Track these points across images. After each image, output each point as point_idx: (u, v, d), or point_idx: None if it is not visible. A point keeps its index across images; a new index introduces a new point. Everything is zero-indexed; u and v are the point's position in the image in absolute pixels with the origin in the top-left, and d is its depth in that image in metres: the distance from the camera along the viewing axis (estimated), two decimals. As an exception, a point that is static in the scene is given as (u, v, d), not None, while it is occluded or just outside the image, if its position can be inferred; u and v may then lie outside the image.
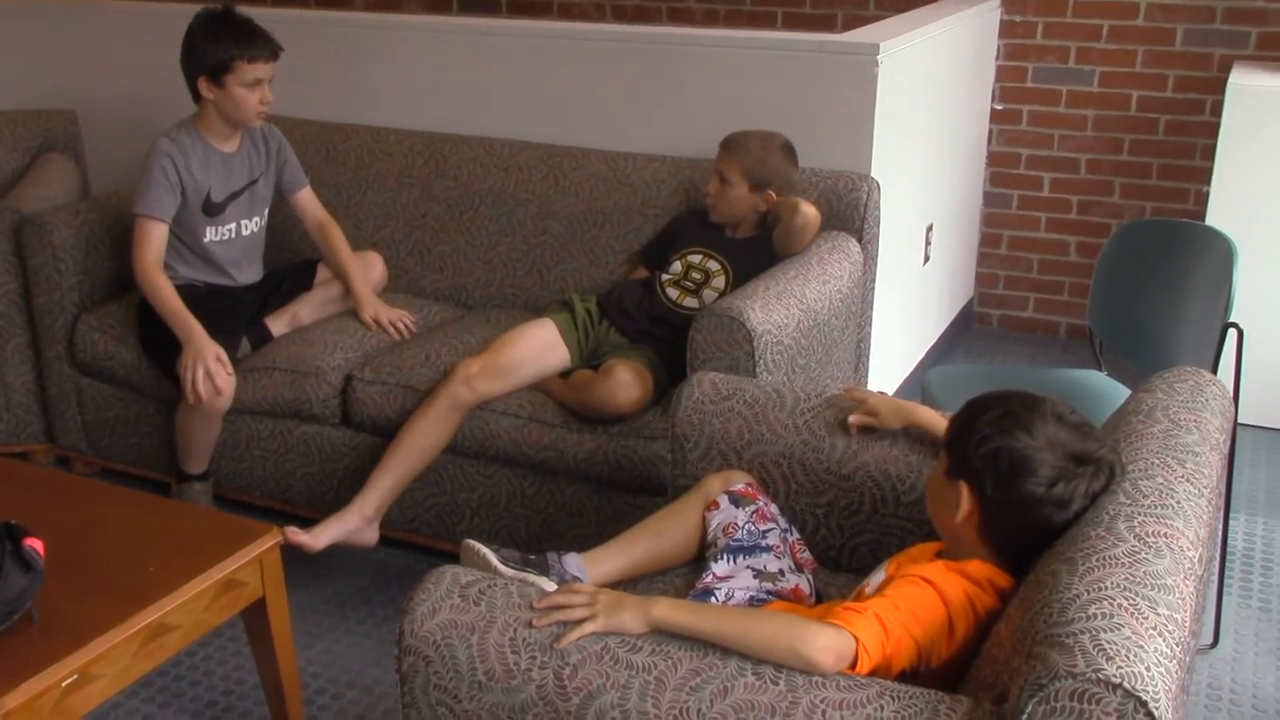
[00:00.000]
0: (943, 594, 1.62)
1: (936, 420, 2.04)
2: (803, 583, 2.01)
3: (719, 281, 2.92)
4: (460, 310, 3.40)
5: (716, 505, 2.08)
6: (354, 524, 2.78)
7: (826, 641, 1.52)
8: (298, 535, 2.68)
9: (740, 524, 2.04)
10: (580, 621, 1.61)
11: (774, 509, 2.10)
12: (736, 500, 2.07)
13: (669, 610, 1.62)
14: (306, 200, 3.33)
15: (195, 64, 3.00)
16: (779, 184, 2.93)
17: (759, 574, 1.98)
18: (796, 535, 2.12)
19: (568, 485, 2.81)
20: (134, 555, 2.14)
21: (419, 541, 3.04)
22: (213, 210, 3.11)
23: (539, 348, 2.91)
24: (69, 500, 2.38)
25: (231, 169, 3.14)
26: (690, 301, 2.92)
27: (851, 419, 2.10)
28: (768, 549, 2.02)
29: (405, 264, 3.50)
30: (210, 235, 3.13)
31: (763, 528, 2.05)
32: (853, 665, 1.53)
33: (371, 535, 2.84)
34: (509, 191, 3.39)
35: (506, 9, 5.05)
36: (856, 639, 1.53)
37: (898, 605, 1.59)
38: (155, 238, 3.03)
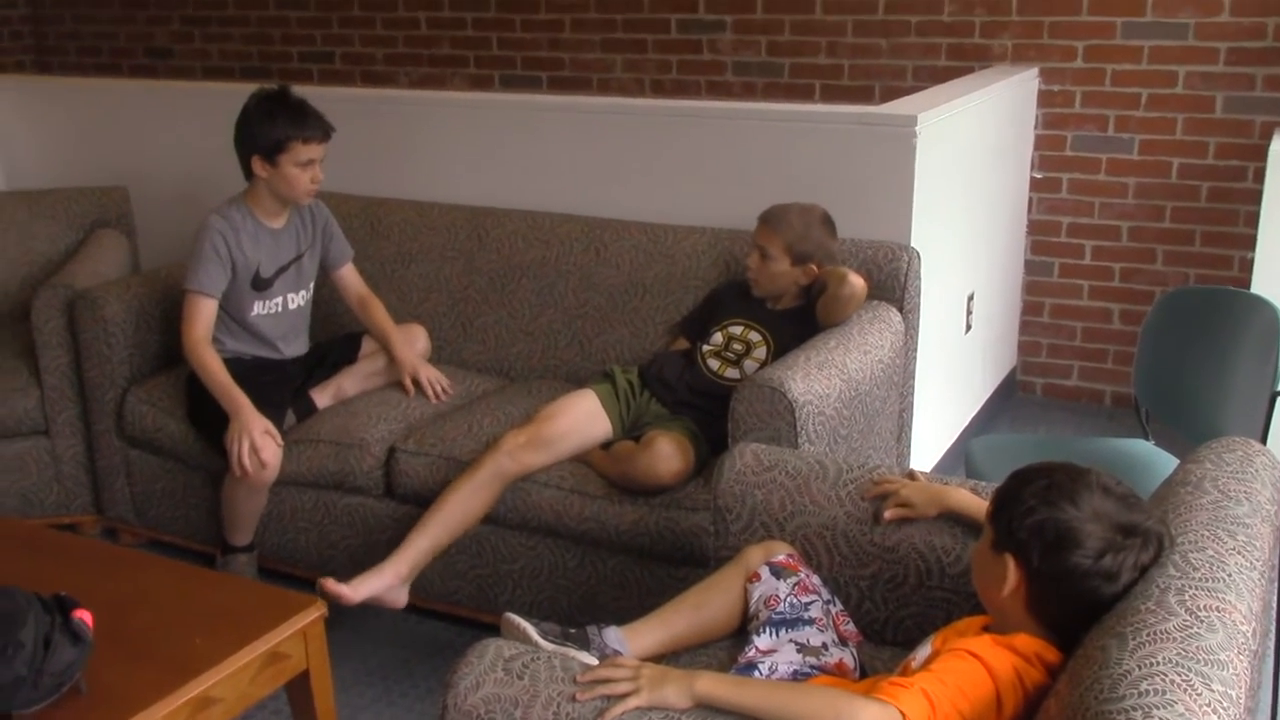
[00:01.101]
0: (990, 669, 1.60)
1: (973, 502, 2.03)
2: (847, 657, 1.99)
3: (760, 352, 2.92)
4: (503, 381, 3.42)
5: (758, 577, 2.07)
6: (389, 580, 2.76)
7: (872, 716, 1.50)
8: (336, 586, 2.66)
9: (782, 596, 2.02)
10: (624, 696, 1.61)
11: (816, 580, 2.09)
12: (778, 572, 2.06)
13: (713, 685, 1.61)
14: (349, 276, 3.38)
15: (250, 143, 3.07)
16: (820, 257, 2.94)
17: (802, 648, 1.96)
18: (840, 607, 2.11)
19: (610, 557, 2.81)
20: (180, 627, 2.15)
21: (460, 614, 3.03)
22: (261, 285, 3.17)
23: (581, 419, 2.92)
24: (116, 572, 2.40)
25: (280, 244, 3.19)
26: (731, 372, 2.93)
27: (886, 513, 2.10)
28: (811, 622, 2.00)
29: (448, 336, 3.53)
30: (258, 310, 3.18)
31: (805, 600, 2.03)
32: None
33: (401, 597, 2.81)
34: (550, 264, 3.42)
35: (548, 85, 5.13)
36: (903, 715, 1.51)
37: (944, 680, 1.57)
38: (205, 313, 3.09)
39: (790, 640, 1.97)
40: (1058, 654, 1.64)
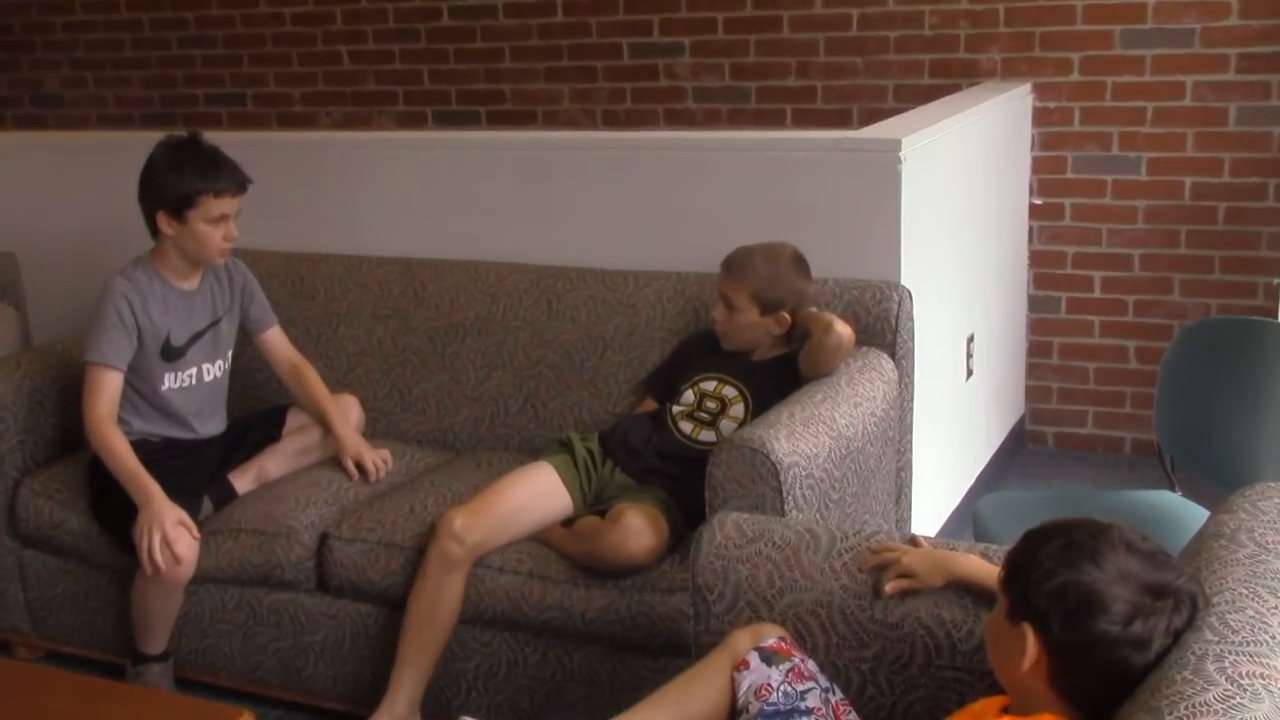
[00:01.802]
0: None
1: (984, 568, 2.04)
2: None
3: (737, 410, 2.93)
4: (447, 455, 3.41)
5: (746, 665, 2.06)
6: None
7: None
8: None
9: (775, 685, 2.01)
10: None
11: (812, 666, 2.08)
12: (769, 658, 2.05)
13: None
14: (275, 340, 3.37)
15: (155, 197, 3.06)
16: (793, 303, 2.96)
17: None
18: (840, 695, 2.10)
19: (576, 649, 2.79)
20: (86, 752, 2.12)
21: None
22: (173, 355, 3.15)
23: (536, 495, 2.91)
24: (12, 691, 2.36)
25: (193, 309, 3.18)
26: (706, 435, 2.93)
27: (887, 586, 2.09)
28: (808, 712, 1.99)
29: (383, 405, 3.52)
30: (169, 382, 3.16)
31: (801, 688, 2.02)
32: None
33: None
34: (497, 320, 3.42)
35: (486, 120, 5.16)
36: None
37: None
38: (109, 388, 3.06)
39: None
40: None
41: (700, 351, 3.10)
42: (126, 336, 3.07)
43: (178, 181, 3.03)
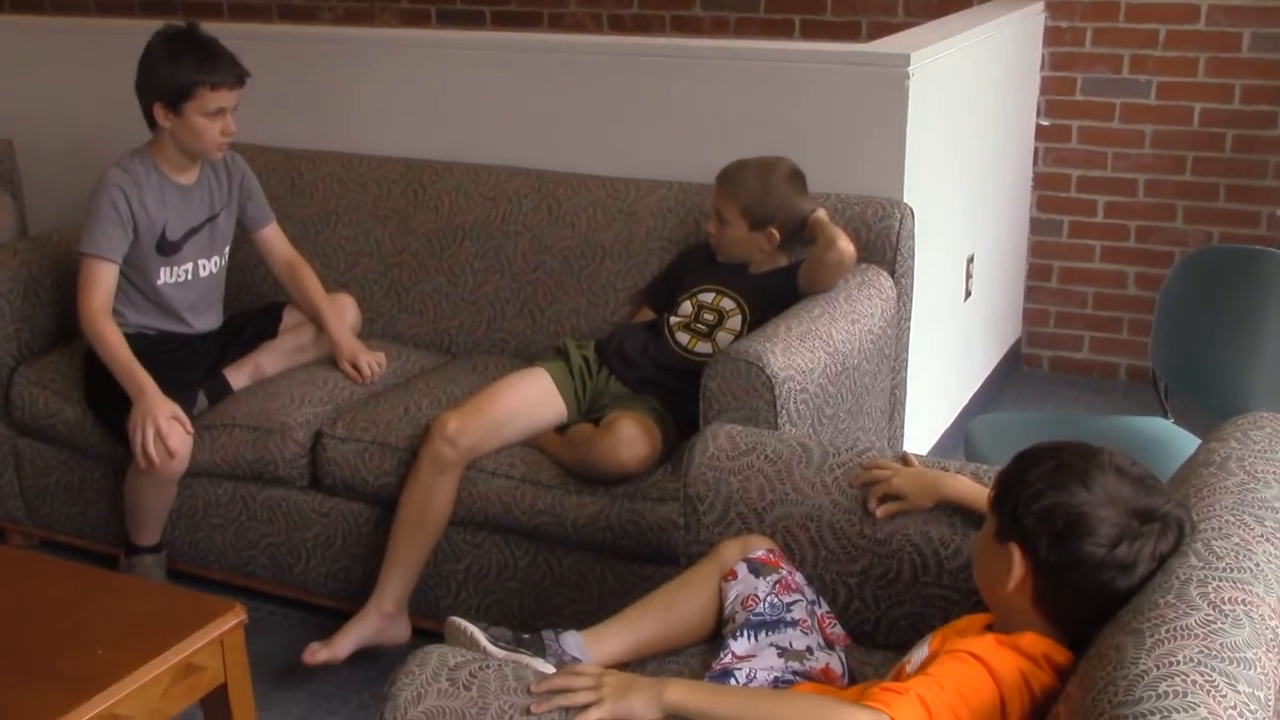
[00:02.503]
0: (993, 671, 1.62)
1: (973, 489, 2.05)
2: (834, 661, 2.01)
3: (734, 322, 2.94)
4: (443, 358, 3.42)
5: (734, 575, 2.08)
6: (375, 625, 2.84)
7: None
8: (316, 654, 2.77)
9: (761, 596, 2.04)
10: (585, 707, 1.62)
11: (799, 578, 2.11)
12: (756, 569, 2.07)
13: (684, 693, 1.62)
14: (272, 237, 3.36)
15: (152, 88, 3.04)
16: (783, 220, 2.94)
17: (784, 652, 1.98)
18: (826, 608, 2.13)
19: (566, 555, 2.82)
20: (80, 637, 2.14)
21: (398, 620, 3.04)
22: (168, 249, 3.14)
23: (531, 400, 2.92)
24: (6, 576, 2.39)
25: (190, 203, 3.17)
26: (703, 346, 2.94)
27: (877, 511, 2.12)
28: (793, 623, 2.02)
29: (380, 306, 3.52)
30: (165, 277, 3.16)
31: (787, 600, 2.05)
32: None
33: (402, 631, 2.89)
34: (496, 224, 3.42)
35: (491, 21, 5.11)
36: None
37: (942, 684, 1.59)
38: (104, 280, 3.06)
39: (770, 644, 1.99)
40: (1068, 655, 1.67)
41: (699, 263, 3.10)
42: (122, 229, 3.06)
43: (174, 73, 3.00)
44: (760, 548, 2.12)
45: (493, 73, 3.59)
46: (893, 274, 3.07)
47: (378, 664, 2.97)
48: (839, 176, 3.16)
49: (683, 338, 2.97)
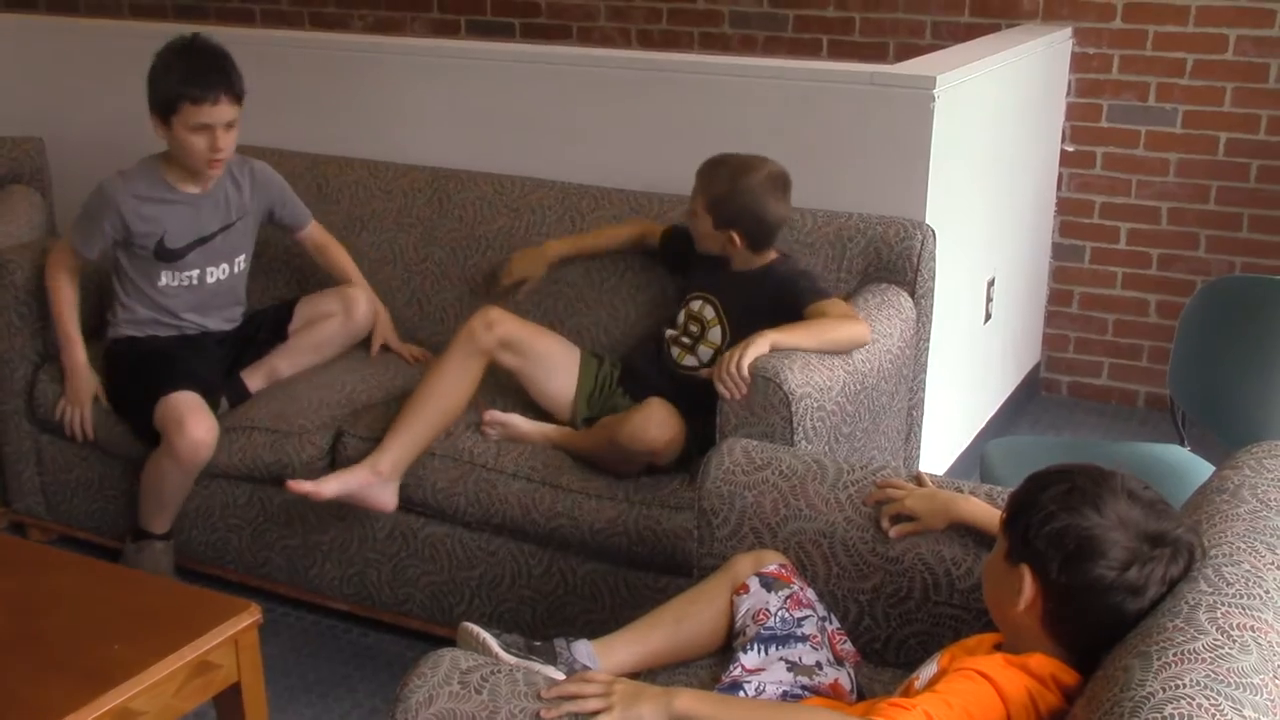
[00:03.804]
0: (1001, 691, 1.63)
1: (986, 512, 2.06)
2: (843, 677, 2.02)
3: (714, 334, 2.92)
4: (463, 366, 3.43)
5: (746, 589, 2.09)
6: (362, 478, 2.85)
7: None
8: (300, 485, 2.81)
9: (772, 610, 2.05)
10: (594, 714, 1.63)
11: (811, 594, 2.12)
12: (768, 583, 2.09)
13: (693, 703, 1.64)
14: (310, 236, 3.41)
15: (149, 99, 3.05)
16: (746, 225, 2.88)
17: (793, 667, 1.99)
18: (836, 624, 2.14)
19: (581, 564, 2.83)
20: (97, 632, 2.16)
21: (411, 625, 3.06)
22: (168, 256, 3.16)
23: (560, 354, 3.04)
24: (26, 570, 2.41)
25: (199, 213, 3.17)
26: (689, 360, 2.95)
27: (891, 532, 2.13)
28: (804, 639, 2.03)
29: (402, 314, 3.55)
30: (166, 279, 3.19)
31: (798, 615, 2.06)
32: None
33: (388, 497, 2.89)
34: (520, 235, 3.43)
35: (520, 33, 5.13)
36: None
37: (950, 702, 1.61)
38: (70, 259, 3.23)
39: (780, 658, 2.00)
40: (1075, 676, 1.67)
41: (699, 265, 3.05)
42: (100, 238, 3.16)
43: (164, 85, 3.01)
44: (773, 562, 2.13)
45: (521, 84, 3.62)
46: (913, 294, 3.08)
47: (390, 668, 2.99)
48: (862, 196, 3.17)
49: (674, 351, 2.98)
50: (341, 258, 3.42)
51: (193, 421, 2.97)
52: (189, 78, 2.98)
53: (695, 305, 2.99)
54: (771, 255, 2.95)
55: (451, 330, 3.46)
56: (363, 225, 3.61)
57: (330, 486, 2.83)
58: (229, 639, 2.19)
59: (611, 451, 2.78)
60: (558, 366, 3.02)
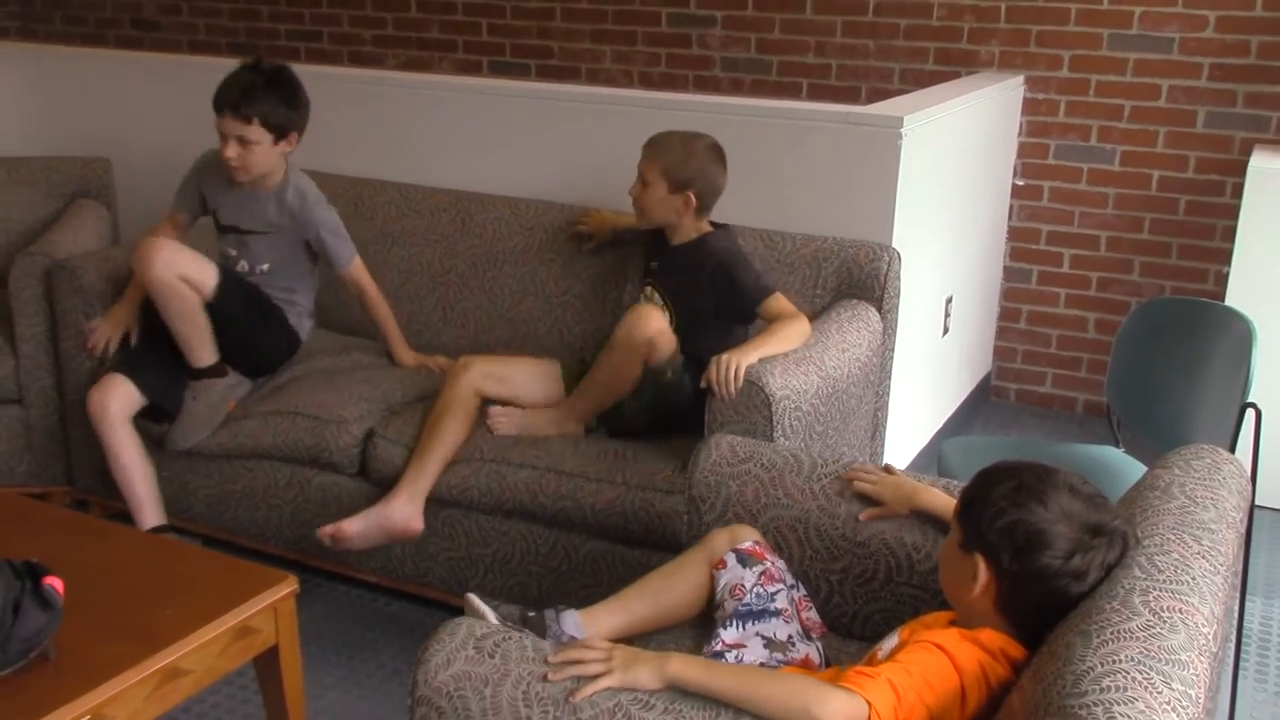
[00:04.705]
0: (956, 662, 1.62)
1: (945, 503, 2.06)
2: (813, 652, 2.01)
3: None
4: (481, 366, 3.42)
5: (724, 564, 2.08)
6: (381, 512, 2.83)
7: (839, 705, 1.53)
8: (326, 530, 2.83)
9: (748, 586, 2.04)
10: (595, 677, 1.62)
11: (781, 566, 2.11)
12: (744, 559, 2.07)
13: (685, 667, 1.63)
14: (354, 276, 3.35)
15: None
16: (701, 186, 2.86)
17: (769, 643, 1.98)
18: (802, 591, 2.12)
19: (582, 542, 2.82)
20: (150, 598, 2.16)
21: (431, 595, 3.04)
22: (220, 228, 3.29)
23: (538, 372, 3.03)
24: (87, 541, 2.40)
25: (245, 205, 3.23)
26: None
27: (861, 515, 2.13)
28: (777, 613, 2.02)
29: (428, 320, 3.53)
30: (221, 243, 3.32)
31: (771, 589, 2.05)
32: None
33: (415, 523, 2.86)
34: (533, 251, 3.43)
35: (536, 73, 5.13)
36: (869, 704, 1.53)
37: (910, 671, 1.60)
38: (165, 224, 3.35)
39: (757, 634, 1.99)
40: (1022, 650, 1.67)
41: (648, 253, 3.04)
42: (192, 189, 3.33)
43: None
44: (748, 539, 2.11)
45: (535, 118, 3.61)
46: (880, 310, 3.07)
47: (412, 634, 2.98)
48: (836, 221, 3.16)
49: None
50: (377, 309, 3.37)
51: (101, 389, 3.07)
52: (219, 90, 3.08)
53: (647, 290, 3.00)
54: (708, 225, 2.94)
55: (471, 335, 3.48)
56: (394, 240, 3.60)
57: (355, 525, 2.82)
58: (269, 606, 2.18)
59: (612, 371, 2.78)
60: (542, 376, 3.04)
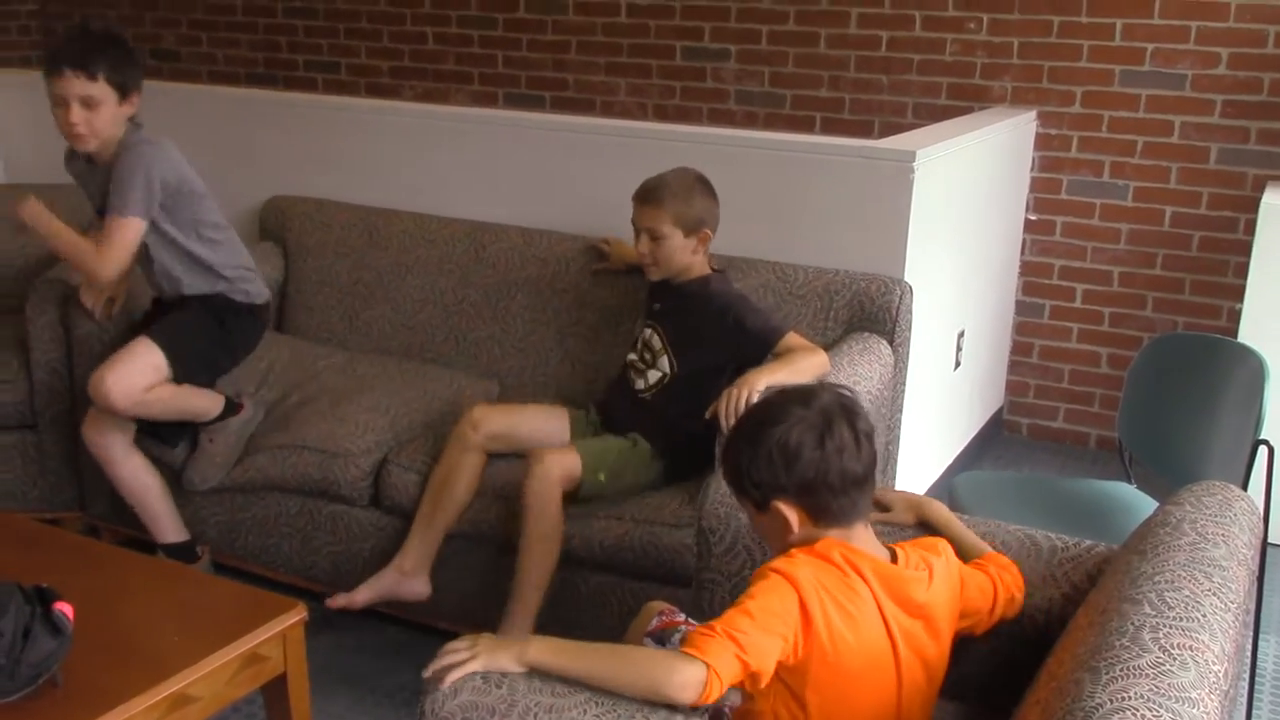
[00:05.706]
0: (789, 577, 1.65)
1: (949, 516, 2.05)
2: None
3: (664, 362, 2.91)
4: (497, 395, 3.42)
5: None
6: (391, 580, 2.85)
7: (682, 678, 1.57)
8: (337, 600, 2.81)
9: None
10: (463, 663, 1.68)
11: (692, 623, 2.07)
12: (659, 638, 2.04)
13: (543, 651, 1.68)
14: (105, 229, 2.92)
15: None
16: (710, 220, 2.86)
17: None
18: None
19: (591, 575, 2.82)
20: (159, 625, 2.16)
21: (441, 626, 3.03)
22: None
23: (545, 421, 2.98)
24: (98, 567, 2.40)
25: (103, 186, 2.94)
26: (640, 383, 2.93)
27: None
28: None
29: (441, 349, 3.54)
30: None
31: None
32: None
33: (421, 588, 2.87)
34: (545, 282, 3.44)
35: (551, 105, 5.16)
36: (708, 665, 1.57)
37: (749, 610, 1.62)
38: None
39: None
40: (857, 550, 1.72)
41: (656, 285, 3.00)
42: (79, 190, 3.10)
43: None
44: (654, 617, 2.08)
45: (550, 150, 3.63)
46: (891, 343, 3.07)
47: (420, 663, 2.95)
48: (848, 254, 3.17)
49: (631, 375, 2.97)
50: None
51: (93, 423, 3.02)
52: (51, 52, 2.82)
53: (646, 333, 2.97)
54: (711, 263, 2.94)
55: (483, 365, 3.48)
56: (408, 270, 3.62)
57: (363, 595, 2.84)
58: (277, 634, 2.18)
59: (531, 563, 2.70)
60: (551, 433, 2.94)
